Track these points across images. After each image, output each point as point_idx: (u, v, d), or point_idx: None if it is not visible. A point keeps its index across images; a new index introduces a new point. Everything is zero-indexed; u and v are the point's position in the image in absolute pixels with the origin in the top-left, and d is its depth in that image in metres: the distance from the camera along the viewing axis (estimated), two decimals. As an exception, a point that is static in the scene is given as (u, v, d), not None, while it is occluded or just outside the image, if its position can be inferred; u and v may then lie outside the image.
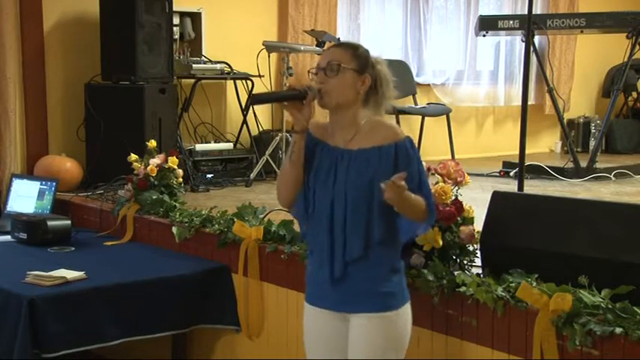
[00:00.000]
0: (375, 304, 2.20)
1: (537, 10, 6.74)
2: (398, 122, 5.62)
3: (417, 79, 6.37)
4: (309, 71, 2.32)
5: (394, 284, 2.23)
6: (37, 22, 4.55)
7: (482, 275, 2.54)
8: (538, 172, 5.34)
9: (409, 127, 6.11)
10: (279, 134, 5.05)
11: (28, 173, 4.48)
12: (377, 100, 2.29)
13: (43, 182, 4.23)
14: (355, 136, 2.25)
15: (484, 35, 6.02)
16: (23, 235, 3.71)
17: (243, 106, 5.18)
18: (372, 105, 2.29)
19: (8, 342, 2.85)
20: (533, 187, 4.83)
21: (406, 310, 2.25)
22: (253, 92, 2.42)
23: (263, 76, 5.17)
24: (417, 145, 6.05)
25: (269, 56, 5.12)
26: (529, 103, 3.92)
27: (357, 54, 2.28)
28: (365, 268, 2.19)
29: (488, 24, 5.93)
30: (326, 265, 2.22)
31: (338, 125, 2.28)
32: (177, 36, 4.95)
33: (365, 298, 2.19)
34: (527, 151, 3.79)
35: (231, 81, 5.22)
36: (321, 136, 2.29)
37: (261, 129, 5.36)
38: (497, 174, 5.46)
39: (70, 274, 3.10)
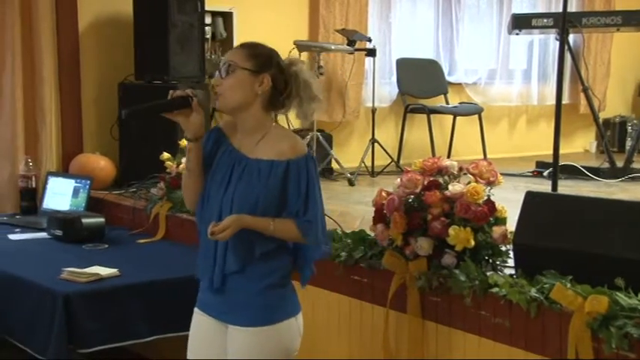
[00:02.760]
0: (250, 317, 2.15)
1: (572, 7, 6.66)
2: (429, 122, 5.62)
3: (448, 79, 6.33)
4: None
5: (275, 298, 2.17)
6: (73, 22, 4.61)
7: (515, 276, 2.51)
8: (572, 172, 5.28)
9: (440, 126, 6.08)
10: (310, 133, 5.06)
11: (64, 171, 4.54)
12: (298, 103, 2.19)
13: (78, 180, 4.28)
14: (259, 144, 2.16)
15: (517, 34, 5.96)
16: (59, 232, 3.76)
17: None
18: (296, 109, 2.20)
19: (44, 337, 2.89)
20: (568, 187, 4.77)
21: (287, 325, 2.19)
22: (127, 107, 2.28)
23: (294, 75, 5.18)
24: (449, 145, 6.00)
25: (300, 55, 5.12)
26: (563, 102, 3.88)
27: (254, 53, 2.16)
28: (243, 281, 2.15)
29: (521, 22, 5.87)
30: (207, 273, 2.19)
31: (242, 129, 2.20)
32: (209, 35, 4.98)
33: (241, 310, 2.15)
34: (561, 151, 3.75)
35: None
36: (229, 134, 2.22)
37: (291, 127, 5.36)
38: (530, 174, 5.41)
39: (104, 271, 3.14)
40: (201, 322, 2.26)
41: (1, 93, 4.39)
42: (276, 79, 2.16)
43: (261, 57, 2.17)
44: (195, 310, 2.29)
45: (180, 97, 2.13)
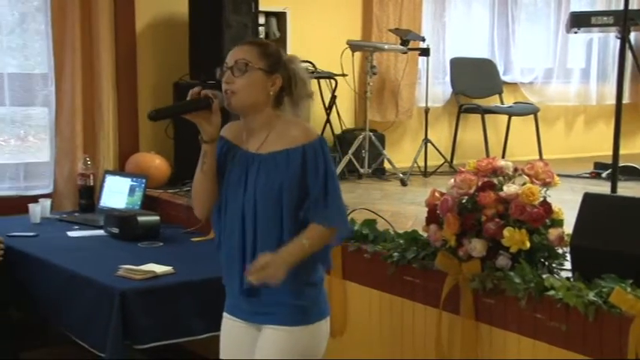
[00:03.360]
0: (284, 317, 2.12)
1: (633, 5, 6.47)
2: (483, 122, 5.55)
3: (503, 78, 6.24)
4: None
5: (307, 298, 2.15)
6: (130, 23, 4.69)
7: (572, 279, 2.46)
8: (632, 173, 5.13)
9: (495, 126, 6.00)
10: (363, 133, 5.04)
11: (120, 170, 4.62)
12: (292, 101, 2.17)
13: (134, 179, 4.36)
14: (267, 139, 2.14)
15: (576, 32, 5.84)
16: (115, 230, 3.83)
17: (326, 105, 5.20)
18: (289, 106, 2.17)
19: (101, 333, 2.94)
20: (628, 189, 4.63)
21: (319, 327, 2.16)
22: (153, 108, 2.21)
23: (347, 75, 5.17)
24: (503, 145, 5.92)
25: (353, 55, 5.12)
26: (624, 101, 3.79)
27: (267, 52, 2.14)
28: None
29: (580, 21, 5.75)
30: (236, 277, 2.15)
31: (250, 128, 2.17)
32: (262, 35, 5.01)
33: (275, 310, 2.12)
34: (621, 152, 3.66)
35: (315, 80, 5.25)
36: (235, 140, 2.20)
37: (344, 127, 5.37)
38: (588, 175, 5.29)
39: (159, 269, 3.18)
40: (232, 327, 2.25)
41: (62, 92, 4.49)
42: (284, 77, 2.16)
43: (272, 56, 2.15)
44: (225, 315, 2.27)
45: (201, 98, 2.12)
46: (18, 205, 4.28)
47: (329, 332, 2.23)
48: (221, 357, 2.29)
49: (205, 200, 2.21)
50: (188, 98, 2.14)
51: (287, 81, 2.16)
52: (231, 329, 2.25)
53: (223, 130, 2.22)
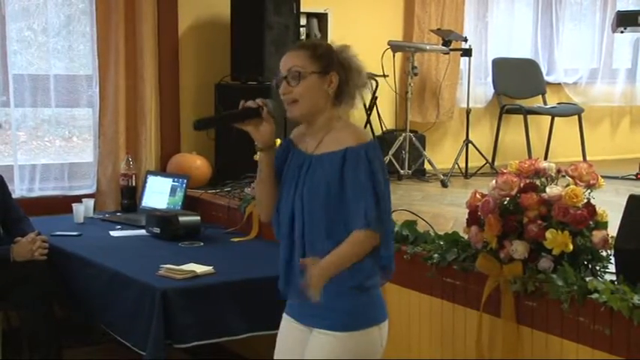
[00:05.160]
0: (332, 321, 2.09)
1: (681, 3, 6.36)
2: (526, 123, 5.48)
3: (547, 78, 6.16)
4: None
5: (357, 304, 2.10)
6: (173, 25, 4.75)
7: (616, 282, 2.41)
8: (679, 175, 5.03)
9: (537, 127, 5.92)
10: (403, 134, 5.02)
11: (162, 170, 4.67)
12: (349, 92, 2.13)
13: (175, 179, 4.40)
14: (323, 141, 2.12)
15: (622, 32, 5.73)
16: (156, 230, 3.87)
17: (367, 106, 5.19)
18: (346, 99, 2.14)
19: (143, 332, 2.98)
20: (674, 191, 4.55)
21: (369, 334, 2.11)
22: (198, 117, 2.22)
23: (387, 75, 5.15)
24: (546, 146, 5.83)
25: (394, 56, 5.11)
26: (671, 102, 3.71)
27: (318, 54, 2.11)
28: (325, 284, 2.07)
29: (626, 19, 5.63)
30: (283, 275, 2.16)
31: (310, 130, 2.16)
32: (303, 36, 5.02)
33: (324, 314, 2.09)
34: (668, 153, 3.58)
35: (356, 81, 5.23)
36: (297, 141, 2.20)
37: (384, 128, 5.35)
38: (634, 177, 5.19)
39: (200, 269, 3.20)
40: (288, 328, 2.26)
41: (105, 93, 4.56)
42: (339, 73, 2.13)
43: (324, 56, 2.12)
44: (284, 315, 2.29)
45: (251, 107, 2.13)
46: (62, 204, 4.36)
47: (384, 339, 2.18)
48: (275, 356, 2.30)
49: (266, 207, 2.23)
50: (240, 107, 2.15)
51: (343, 74, 2.13)
52: (286, 329, 2.26)
53: (293, 132, 2.24)
